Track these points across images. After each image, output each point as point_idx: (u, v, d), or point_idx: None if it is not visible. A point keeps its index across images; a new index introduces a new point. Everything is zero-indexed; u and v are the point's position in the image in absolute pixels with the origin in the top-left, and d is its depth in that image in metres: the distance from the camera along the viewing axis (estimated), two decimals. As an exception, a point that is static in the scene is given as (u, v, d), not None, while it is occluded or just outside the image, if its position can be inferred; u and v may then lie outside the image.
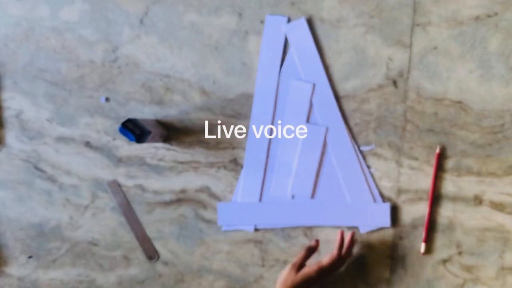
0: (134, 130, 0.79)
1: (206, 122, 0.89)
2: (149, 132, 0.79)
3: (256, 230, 0.89)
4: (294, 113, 0.87)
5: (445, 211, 0.85)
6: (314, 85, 0.85)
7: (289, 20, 0.85)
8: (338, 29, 0.85)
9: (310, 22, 0.86)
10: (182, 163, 0.90)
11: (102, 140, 0.92)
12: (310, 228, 0.89)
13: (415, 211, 0.86)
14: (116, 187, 0.92)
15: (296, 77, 0.86)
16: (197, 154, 0.90)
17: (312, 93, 0.85)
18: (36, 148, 0.93)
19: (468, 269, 0.85)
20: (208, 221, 0.90)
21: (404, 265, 0.87)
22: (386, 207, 0.86)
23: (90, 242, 0.94)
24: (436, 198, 0.85)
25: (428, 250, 0.86)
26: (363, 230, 0.87)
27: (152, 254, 0.92)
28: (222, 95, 0.88)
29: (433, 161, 0.84)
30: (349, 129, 0.87)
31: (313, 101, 0.85)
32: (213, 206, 0.91)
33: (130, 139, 0.79)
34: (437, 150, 0.83)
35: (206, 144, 0.90)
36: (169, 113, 0.90)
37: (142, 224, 0.91)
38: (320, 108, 0.85)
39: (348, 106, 0.86)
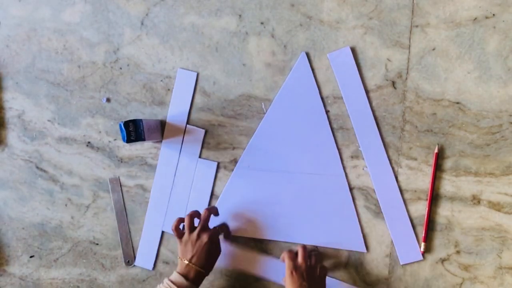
0: (130, 133, 0.80)
1: (206, 123, 0.89)
2: (143, 140, 0.81)
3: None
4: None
5: (444, 211, 0.85)
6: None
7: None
8: (337, 30, 0.85)
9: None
10: (182, 163, 0.91)
11: (104, 140, 0.92)
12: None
13: (414, 211, 0.86)
14: (116, 184, 0.92)
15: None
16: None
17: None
18: (38, 148, 0.93)
19: (466, 268, 0.85)
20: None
21: (403, 264, 0.87)
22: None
23: (92, 242, 0.94)
24: (434, 198, 0.85)
25: (428, 249, 0.86)
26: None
27: (130, 259, 0.93)
28: (223, 95, 0.89)
29: (432, 161, 0.84)
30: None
31: (354, 126, 0.85)
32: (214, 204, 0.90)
33: (122, 138, 0.81)
34: (436, 150, 0.83)
35: (207, 144, 0.90)
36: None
37: (130, 229, 0.92)
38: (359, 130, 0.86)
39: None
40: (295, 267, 0.78)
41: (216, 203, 0.89)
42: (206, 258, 0.80)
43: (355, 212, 0.86)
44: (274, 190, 0.88)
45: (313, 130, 0.86)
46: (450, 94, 0.83)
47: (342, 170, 0.86)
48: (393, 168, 0.86)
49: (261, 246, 0.90)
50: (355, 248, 0.86)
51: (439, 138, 0.84)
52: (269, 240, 0.89)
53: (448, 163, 0.84)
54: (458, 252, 0.86)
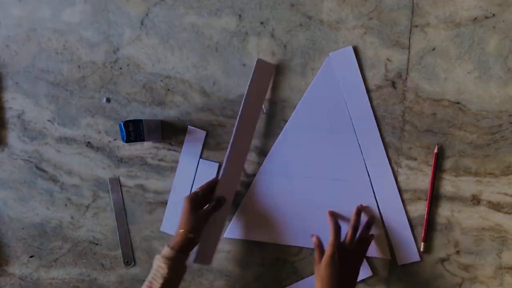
0: (130, 133, 0.80)
1: (206, 123, 0.89)
2: (143, 140, 0.81)
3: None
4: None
5: (443, 211, 0.85)
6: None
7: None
8: (337, 30, 0.85)
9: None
10: (182, 163, 0.90)
11: (103, 140, 0.92)
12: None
13: (414, 211, 0.86)
14: (116, 184, 0.91)
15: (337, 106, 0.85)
16: (198, 154, 0.90)
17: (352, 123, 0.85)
18: (38, 148, 0.93)
19: (466, 268, 0.85)
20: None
21: (403, 264, 0.87)
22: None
23: (91, 242, 0.94)
24: (434, 198, 0.85)
25: (427, 249, 0.86)
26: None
27: (129, 260, 0.92)
28: (222, 95, 0.88)
29: (432, 161, 0.84)
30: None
31: (355, 126, 0.85)
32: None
33: (122, 138, 0.80)
34: (435, 150, 0.83)
35: (207, 145, 0.89)
36: (170, 114, 0.89)
37: (129, 230, 0.91)
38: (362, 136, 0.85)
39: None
40: (334, 257, 0.78)
41: (237, 210, 0.89)
42: (189, 221, 0.78)
43: (380, 219, 0.85)
44: (296, 196, 0.87)
45: (338, 133, 0.85)
46: (450, 94, 0.82)
47: (367, 176, 0.85)
48: (392, 168, 0.85)
49: (281, 251, 0.89)
50: (380, 255, 0.86)
51: (439, 138, 0.83)
52: (289, 246, 0.88)
53: (448, 163, 0.84)
54: (458, 252, 0.85)
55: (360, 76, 0.84)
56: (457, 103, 0.83)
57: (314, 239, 0.83)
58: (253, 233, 0.89)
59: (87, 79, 0.91)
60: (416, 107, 0.84)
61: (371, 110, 0.84)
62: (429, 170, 0.84)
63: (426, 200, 0.84)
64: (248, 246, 0.89)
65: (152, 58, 0.89)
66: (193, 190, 0.87)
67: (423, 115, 0.84)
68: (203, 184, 0.83)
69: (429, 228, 0.84)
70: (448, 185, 0.84)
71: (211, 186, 0.83)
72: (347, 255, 0.78)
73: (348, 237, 0.81)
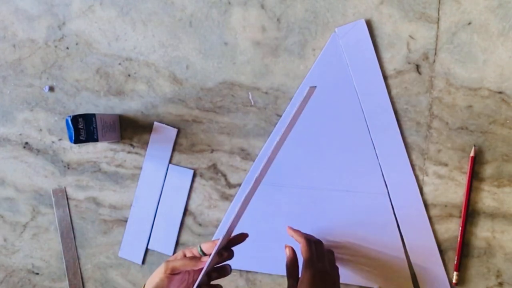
0: (80, 131, 0.73)
1: (178, 118, 0.80)
2: (96, 140, 0.75)
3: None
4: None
5: (482, 231, 0.74)
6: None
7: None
8: (346, -1, 0.75)
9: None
10: (146, 170, 0.81)
11: (45, 140, 0.84)
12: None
13: (444, 232, 0.75)
14: (61, 197, 0.83)
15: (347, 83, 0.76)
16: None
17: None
18: (-41, 150, 0.85)
19: (511, 305, 0.76)
20: (183, 244, 0.80)
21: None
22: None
23: (30, 271, 0.86)
24: (470, 214, 0.74)
25: (461, 280, 0.75)
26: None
27: None
28: (198, 83, 0.79)
29: (467, 167, 0.73)
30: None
31: (368, 122, 0.75)
32: (189, 226, 0.80)
33: (69, 138, 0.74)
34: (472, 153, 0.73)
35: (178, 146, 0.80)
36: (130, 106, 0.81)
37: (79, 255, 0.84)
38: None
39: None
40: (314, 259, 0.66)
41: (216, 230, 0.80)
42: None
43: (401, 242, 0.75)
44: (292, 213, 0.79)
45: (346, 132, 0.77)
46: (490, 81, 0.73)
47: (384, 187, 0.75)
48: (416, 177, 0.75)
49: (273, 283, 0.79)
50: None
51: (476, 137, 0.73)
52: (284, 276, 0.79)
53: (487, 170, 0.73)
54: (500, 284, 0.74)
55: (376, 58, 0.75)
56: (500, 92, 0.73)
57: (287, 251, 0.71)
58: (236, 260, 0.77)
59: (24, 61, 0.83)
60: (447, 98, 0.74)
61: (389, 102, 0.75)
62: (463, 179, 0.74)
63: (460, 217, 0.74)
64: (230, 277, 0.79)
65: (108, 35, 0.80)
66: (168, 175, 0.78)
67: (455, 108, 0.74)
68: (192, 252, 0.65)
69: (464, 253, 0.74)
70: (488, 198, 0.74)
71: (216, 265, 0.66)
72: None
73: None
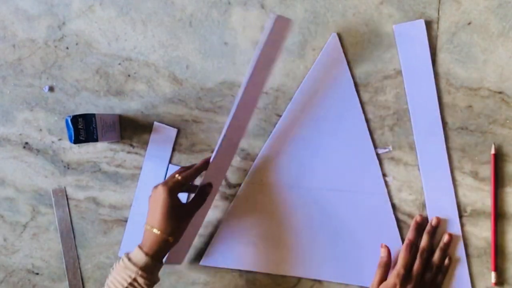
0: (79, 131, 0.74)
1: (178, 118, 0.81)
2: (96, 140, 0.76)
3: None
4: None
5: (482, 232, 0.74)
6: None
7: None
8: (346, -1, 0.76)
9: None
10: (146, 170, 0.82)
11: (45, 140, 0.84)
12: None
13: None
14: (61, 197, 0.83)
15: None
16: (166, 159, 0.83)
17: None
18: (-41, 151, 0.86)
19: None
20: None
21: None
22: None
23: (30, 271, 0.86)
24: (471, 214, 0.73)
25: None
26: None
27: None
28: (198, 83, 0.79)
29: (467, 167, 0.73)
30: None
31: (413, 121, 0.75)
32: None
33: (69, 138, 0.74)
34: (492, 151, 0.72)
35: (178, 146, 0.81)
36: (130, 106, 0.81)
37: (79, 255, 0.84)
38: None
39: (359, 97, 0.77)
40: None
41: (217, 231, 0.80)
42: (170, 221, 0.67)
43: (400, 241, 0.76)
44: (293, 213, 0.78)
45: (348, 131, 0.77)
46: (490, 81, 0.73)
47: (384, 187, 0.75)
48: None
49: (273, 283, 0.80)
50: None
51: (476, 137, 0.74)
52: (284, 276, 0.79)
53: (487, 170, 0.73)
54: None
55: (430, 59, 0.75)
56: (500, 92, 0.74)
57: (382, 252, 0.73)
58: (236, 260, 0.81)
59: (24, 61, 0.83)
60: (447, 98, 0.74)
61: (437, 102, 0.75)
62: (463, 179, 0.74)
63: (460, 217, 0.73)
64: (230, 277, 0.81)
65: (108, 35, 0.80)
66: (168, 175, 0.79)
67: (456, 108, 0.74)
68: (183, 167, 0.74)
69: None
70: (488, 198, 0.73)
71: (199, 172, 0.72)
72: None
73: (417, 266, 0.71)
